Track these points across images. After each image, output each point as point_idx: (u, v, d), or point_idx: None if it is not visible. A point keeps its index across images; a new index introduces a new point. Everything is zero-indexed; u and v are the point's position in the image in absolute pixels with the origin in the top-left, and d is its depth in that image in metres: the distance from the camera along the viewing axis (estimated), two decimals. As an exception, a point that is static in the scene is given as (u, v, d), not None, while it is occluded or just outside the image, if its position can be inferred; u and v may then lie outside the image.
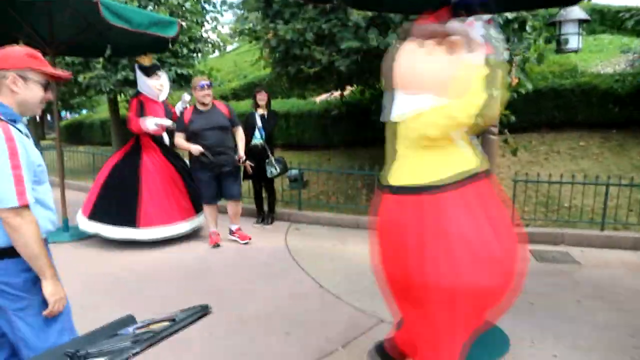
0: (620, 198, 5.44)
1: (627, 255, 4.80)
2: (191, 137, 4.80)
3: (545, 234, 5.17)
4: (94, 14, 4.45)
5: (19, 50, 1.82)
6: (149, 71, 5.17)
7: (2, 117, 1.73)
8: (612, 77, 7.51)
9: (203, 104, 4.83)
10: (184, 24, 5.37)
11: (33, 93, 1.82)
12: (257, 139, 5.64)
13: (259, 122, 5.63)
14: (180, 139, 4.87)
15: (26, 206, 1.71)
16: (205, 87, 4.82)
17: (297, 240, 5.37)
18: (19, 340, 1.83)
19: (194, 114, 4.85)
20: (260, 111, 5.71)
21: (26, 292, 1.80)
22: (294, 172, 6.75)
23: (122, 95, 9.62)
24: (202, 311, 1.41)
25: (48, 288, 1.80)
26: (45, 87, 1.87)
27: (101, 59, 8.37)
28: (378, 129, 3.44)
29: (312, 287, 3.97)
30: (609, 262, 4.52)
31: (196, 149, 4.73)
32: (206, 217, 5.21)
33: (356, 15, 4.65)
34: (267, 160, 5.62)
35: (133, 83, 8.88)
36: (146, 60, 5.28)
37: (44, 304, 1.82)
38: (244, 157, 5.08)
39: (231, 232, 5.29)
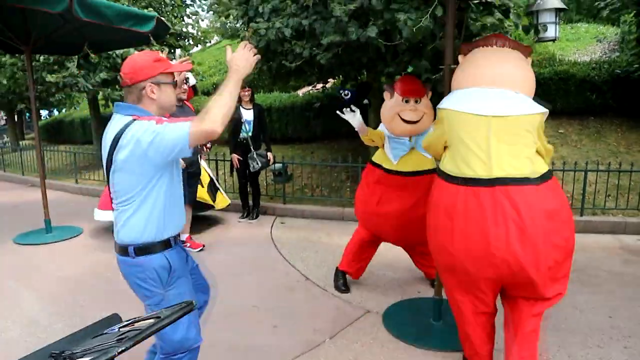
0: (599, 184, 5.57)
1: (606, 239, 4.93)
2: None
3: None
4: (68, 10, 4.38)
5: (146, 58, 1.91)
6: None
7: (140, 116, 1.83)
8: (589, 65, 7.65)
9: (180, 100, 4.74)
10: (164, 20, 5.26)
11: (167, 94, 1.94)
12: (244, 133, 5.63)
13: (246, 116, 5.62)
14: None
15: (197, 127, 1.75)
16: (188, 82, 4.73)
17: (282, 233, 5.38)
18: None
19: (177, 111, 4.65)
20: (245, 105, 5.68)
21: (159, 288, 1.92)
22: (278, 165, 6.76)
23: (101, 94, 9.51)
24: (188, 307, 1.42)
25: (238, 62, 1.88)
26: (175, 84, 1.98)
27: (76, 58, 8.23)
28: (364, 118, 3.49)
29: (299, 279, 4.00)
30: (587, 246, 4.63)
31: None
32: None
33: (338, 12, 4.65)
34: (249, 155, 5.62)
35: (113, 82, 8.81)
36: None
37: (176, 298, 1.91)
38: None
39: (182, 243, 5.02)
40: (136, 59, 1.91)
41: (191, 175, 4.68)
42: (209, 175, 5.62)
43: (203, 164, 5.52)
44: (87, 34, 5.40)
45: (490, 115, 2.15)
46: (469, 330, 2.43)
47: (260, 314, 3.39)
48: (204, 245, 4.88)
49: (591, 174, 5.44)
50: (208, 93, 11.84)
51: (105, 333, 1.35)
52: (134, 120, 1.80)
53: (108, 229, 5.62)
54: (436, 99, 3.00)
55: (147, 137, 1.74)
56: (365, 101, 6.79)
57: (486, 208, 2.09)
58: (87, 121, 12.46)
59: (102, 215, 5.28)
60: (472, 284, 2.28)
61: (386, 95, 3.33)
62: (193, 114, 4.59)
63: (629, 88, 7.08)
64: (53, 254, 4.83)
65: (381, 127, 3.45)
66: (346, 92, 6.09)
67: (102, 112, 11.37)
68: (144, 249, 1.88)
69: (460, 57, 2.47)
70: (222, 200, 5.70)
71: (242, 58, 1.89)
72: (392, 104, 3.24)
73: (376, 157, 3.53)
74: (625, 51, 8.43)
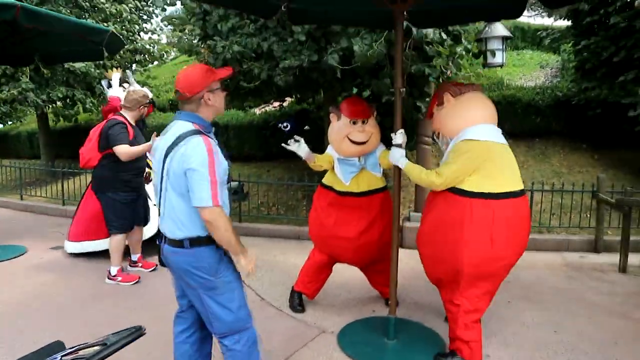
0: (544, 203, 5.83)
1: (550, 256, 5.15)
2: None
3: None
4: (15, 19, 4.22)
5: (198, 71, 2.16)
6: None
7: (203, 131, 2.10)
8: (534, 90, 8.07)
9: (141, 117, 4.61)
10: (118, 35, 5.16)
11: (220, 99, 2.23)
12: None
13: None
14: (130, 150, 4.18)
15: (218, 205, 2.03)
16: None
17: (238, 253, 5.29)
18: (209, 315, 2.21)
19: (134, 129, 4.32)
20: None
21: (213, 275, 2.14)
22: (234, 184, 6.67)
23: (49, 108, 9.18)
24: (136, 332, 1.38)
25: (241, 261, 2.17)
26: (223, 88, 2.25)
27: (27, 72, 7.93)
28: (316, 139, 3.51)
29: (253, 299, 3.94)
30: (534, 264, 4.82)
31: None
32: (117, 252, 4.34)
33: (297, 34, 4.72)
34: None
35: (65, 98, 8.53)
36: (112, 75, 5.10)
37: (225, 285, 2.18)
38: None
39: (133, 263, 4.73)
40: (190, 74, 2.16)
41: (142, 196, 4.55)
42: None
43: None
44: (37, 45, 5.24)
45: (505, 144, 2.85)
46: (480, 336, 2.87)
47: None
48: (157, 265, 4.73)
49: (537, 194, 5.70)
50: (164, 109, 11.62)
51: (47, 362, 1.28)
52: (194, 132, 2.06)
53: (56, 249, 5.37)
54: (390, 121, 3.09)
55: (189, 163, 1.99)
56: (307, 127, 6.83)
57: (523, 214, 2.77)
58: (34, 135, 11.93)
59: (74, 247, 5.03)
60: (497, 285, 2.90)
61: (333, 117, 3.36)
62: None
63: (570, 112, 7.50)
64: (-8, 276, 4.55)
65: (329, 150, 3.47)
66: (285, 124, 6.11)
67: (52, 127, 10.95)
68: (197, 241, 2.10)
69: (448, 96, 2.88)
70: None
71: (243, 266, 2.19)
72: (339, 126, 3.28)
73: (326, 180, 3.53)
74: (565, 77, 8.96)
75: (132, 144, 4.16)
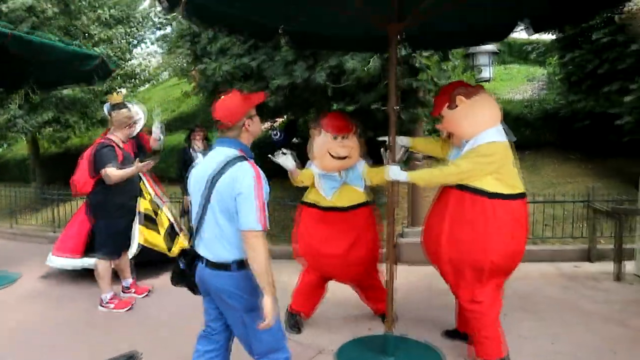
0: (536, 214, 5.86)
1: (545, 267, 5.16)
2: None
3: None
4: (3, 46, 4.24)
5: (236, 100, 2.26)
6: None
7: (247, 156, 2.21)
8: (522, 103, 8.18)
9: (129, 137, 4.61)
10: (107, 61, 5.19)
11: (257, 124, 2.33)
12: None
13: (199, 157, 5.51)
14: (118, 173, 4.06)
15: (263, 231, 2.08)
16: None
17: (233, 274, 5.25)
18: (250, 336, 2.25)
19: (123, 152, 4.19)
20: (198, 146, 5.57)
21: (254, 296, 2.15)
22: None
23: (39, 133, 9.18)
24: (131, 358, 1.37)
25: (268, 303, 2.09)
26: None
27: (17, 99, 7.94)
28: (305, 155, 3.51)
29: (250, 321, 3.90)
30: (529, 275, 4.82)
31: None
32: (105, 278, 4.26)
33: (286, 51, 4.76)
34: None
35: (56, 122, 8.53)
36: (116, 99, 5.09)
37: (260, 304, 2.13)
38: None
39: (126, 289, 4.63)
40: (229, 104, 2.25)
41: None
42: (169, 220, 5.37)
43: (164, 209, 5.33)
44: (29, 70, 5.26)
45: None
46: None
47: (210, 359, 3.27)
48: (149, 290, 4.68)
49: (529, 205, 5.72)
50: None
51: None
52: (240, 158, 2.17)
53: (47, 277, 5.29)
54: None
55: (239, 188, 2.07)
56: (295, 140, 6.83)
57: (527, 214, 3.01)
58: (24, 161, 11.87)
59: (56, 262, 4.99)
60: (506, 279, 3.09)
61: (314, 132, 3.39)
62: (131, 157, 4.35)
63: (559, 124, 7.60)
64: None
65: (309, 165, 3.49)
66: (275, 132, 6.09)
67: (43, 153, 10.91)
68: (243, 263, 2.15)
69: (462, 98, 2.91)
70: (183, 246, 5.48)
71: (268, 307, 2.11)
72: (321, 141, 3.31)
73: (309, 198, 3.52)
74: (552, 90, 9.10)
75: (121, 166, 4.05)
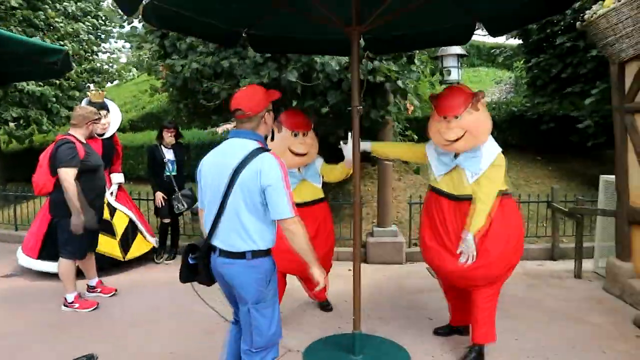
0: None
1: (510, 266, 5.27)
2: (81, 177, 3.92)
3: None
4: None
5: (259, 91, 2.34)
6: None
7: (266, 148, 2.25)
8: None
9: (98, 134, 4.46)
10: (70, 57, 5.06)
11: (272, 119, 2.39)
12: (168, 172, 5.43)
13: (168, 156, 5.41)
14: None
15: (297, 215, 2.18)
16: None
17: (202, 274, 5.19)
18: (253, 328, 2.26)
19: (85, 147, 4.05)
20: (167, 143, 5.46)
21: (263, 287, 2.23)
22: (197, 204, 6.57)
23: (1, 129, 8.87)
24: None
25: (317, 272, 2.30)
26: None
27: None
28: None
29: (218, 321, 3.86)
30: (495, 274, 4.92)
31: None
32: (68, 278, 4.13)
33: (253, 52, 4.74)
34: (173, 196, 5.40)
35: (19, 119, 8.26)
36: (97, 97, 4.93)
37: (273, 297, 2.30)
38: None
39: (91, 289, 4.51)
40: (251, 94, 2.32)
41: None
42: (129, 218, 5.22)
43: (120, 207, 5.19)
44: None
45: None
46: None
47: (180, 359, 3.24)
48: (116, 290, 4.58)
49: (495, 205, 5.85)
50: (123, 130, 11.37)
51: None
52: (262, 150, 2.21)
53: (8, 276, 5.11)
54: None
55: (268, 180, 2.13)
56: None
57: None
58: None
59: (21, 260, 4.90)
60: None
61: (274, 129, 3.40)
62: (96, 155, 4.30)
63: (524, 126, 7.81)
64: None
65: None
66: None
67: (4, 149, 10.53)
68: (258, 253, 2.21)
69: (482, 101, 3.03)
70: (141, 246, 5.34)
71: (317, 276, 2.32)
72: (281, 138, 3.33)
73: None
74: (519, 93, 9.35)
75: (84, 162, 3.94)
